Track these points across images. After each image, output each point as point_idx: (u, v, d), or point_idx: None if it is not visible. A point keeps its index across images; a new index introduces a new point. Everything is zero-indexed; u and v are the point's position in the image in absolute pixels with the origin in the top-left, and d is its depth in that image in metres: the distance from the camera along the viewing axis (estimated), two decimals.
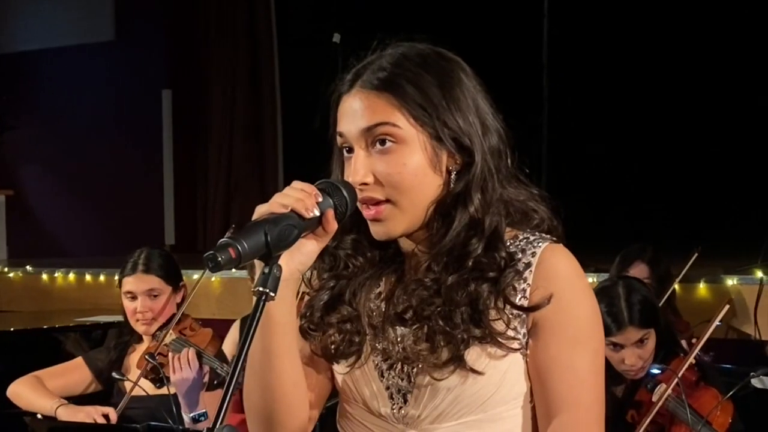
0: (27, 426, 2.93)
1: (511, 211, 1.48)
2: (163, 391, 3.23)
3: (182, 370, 3.13)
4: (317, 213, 1.38)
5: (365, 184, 1.44)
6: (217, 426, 1.25)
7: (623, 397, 3.07)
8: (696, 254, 4.22)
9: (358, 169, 1.45)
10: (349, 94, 1.48)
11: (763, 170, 5.32)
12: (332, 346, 1.50)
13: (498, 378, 1.43)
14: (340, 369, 1.52)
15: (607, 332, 3.01)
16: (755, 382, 3.27)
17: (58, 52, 8.00)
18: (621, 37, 6.29)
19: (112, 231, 7.51)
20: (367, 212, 1.46)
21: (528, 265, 1.44)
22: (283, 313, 1.42)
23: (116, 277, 3.58)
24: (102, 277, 6.02)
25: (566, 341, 1.42)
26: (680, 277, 4.22)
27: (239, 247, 1.30)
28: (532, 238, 1.47)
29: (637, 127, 6.38)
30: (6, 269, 6.52)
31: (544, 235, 1.48)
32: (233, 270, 5.28)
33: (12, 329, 5.06)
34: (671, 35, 6.30)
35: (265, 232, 1.33)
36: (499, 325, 1.42)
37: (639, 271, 4.10)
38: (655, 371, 2.92)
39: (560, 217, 1.52)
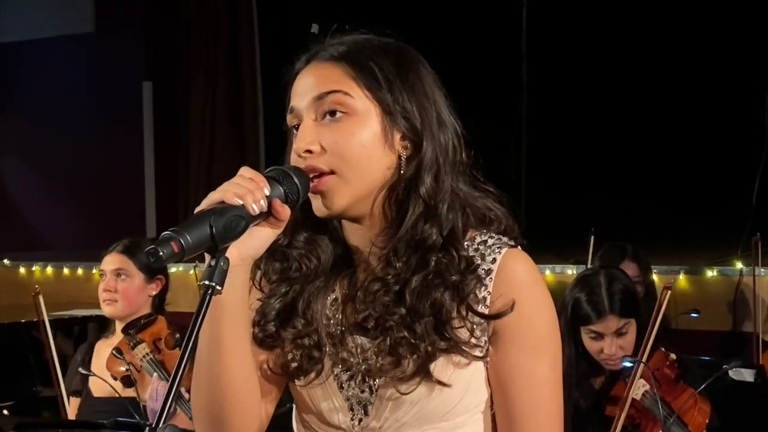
0: None
1: (467, 211, 1.43)
2: (132, 392, 3.17)
3: (156, 401, 3.05)
4: (264, 205, 1.33)
5: (309, 151, 1.39)
6: (160, 425, 1.20)
7: (601, 389, 3.04)
8: (592, 237, 4.18)
9: (305, 135, 1.39)
10: (305, 69, 1.44)
11: (743, 162, 5.31)
12: (292, 364, 1.43)
13: (462, 388, 1.39)
14: (299, 383, 1.46)
15: (587, 321, 2.98)
16: (733, 374, 3.25)
17: (37, 43, 7.92)
18: (600, 27, 6.26)
19: (93, 224, 7.45)
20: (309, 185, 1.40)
21: (488, 272, 1.40)
22: (233, 302, 1.35)
23: (94, 270, 3.54)
24: (80, 271, 5.98)
25: (526, 349, 1.40)
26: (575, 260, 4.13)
27: (182, 241, 1.24)
28: (490, 242, 1.42)
29: (617, 116, 6.36)
30: None
31: (502, 238, 1.43)
32: None
33: None
34: (650, 25, 6.27)
35: (210, 224, 1.28)
36: (463, 333, 1.38)
37: (629, 270, 4.05)
38: (628, 364, 2.88)
39: (517, 218, 1.47)
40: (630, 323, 3.00)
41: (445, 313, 1.37)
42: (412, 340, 1.36)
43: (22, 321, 4.99)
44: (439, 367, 1.37)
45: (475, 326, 1.38)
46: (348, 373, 1.42)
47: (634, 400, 2.89)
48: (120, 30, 7.69)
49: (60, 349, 4.90)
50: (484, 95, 6.16)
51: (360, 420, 1.42)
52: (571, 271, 4.48)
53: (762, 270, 4.26)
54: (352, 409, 1.42)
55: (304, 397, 1.45)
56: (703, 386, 2.87)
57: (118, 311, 3.39)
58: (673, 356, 3.00)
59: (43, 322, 3.41)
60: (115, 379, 3.26)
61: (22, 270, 6.24)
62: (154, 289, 3.48)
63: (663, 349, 3.03)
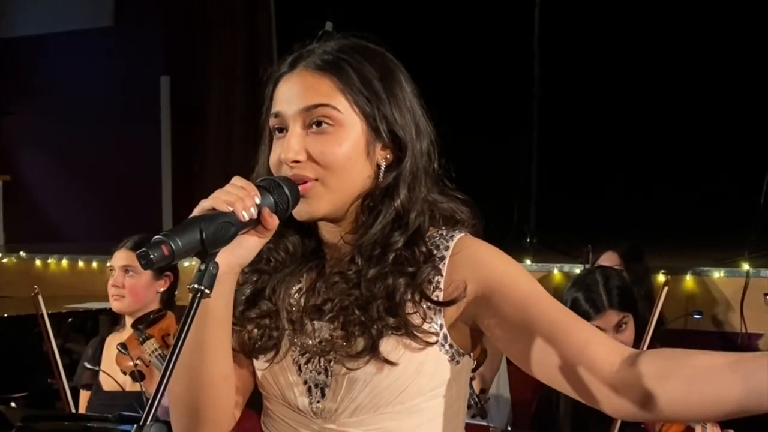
0: (2, 414, 2.94)
1: (435, 214, 1.50)
2: (139, 387, 3.22)
3: (164, 398, 3.08)
4: (254, 213, 1.37)
5: (297, 161, 1.44)
6: (147, 423, 1.25)
7: None
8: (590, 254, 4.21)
9: (292, 145, 1.44)
10: (291, 74, 1.48)
11: (751, 163, 5.31)
12: (250, 342, 1.50)
13: (413, 369, 1.44)
14: (259, 365, 1.53)
15: (587, 317, 3.01)
16: None
17: (57, 37, 8.00)
18: (612, 25, 6.27)
19: (110, 217, 7.52)
20: None
21: (442, 258, 1.46)
22: (219, 307, 1.41)
23: (108, 263, 3.59)
24: (95, 264, 6.04)
25: (511, 286, 1.43)
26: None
27: (173, 245, 1.29)
28: (446, 233, 1.49)
29: (628, 115, 6.37)
30: (0, 255, 6.54)
31: (459, 229, 1.50)
32: None
33: (5, 315, 5.09)
34: (661, 23, 6.27)
35: (201, 229, 1.32)
36: (416, 319, 1.43)
37: (608, 259, 4.11)
38: None
39: (481, 220, 1.54)
40: (628, 317, 3.04)
41: (398, 297, 1.43)
42: (363, 319, 1.42)
43: (37, 313, 5.04)
44: (389, 347, 1.42)
45: (428, 311, 1.44)
46: (306, 356, 1.48)
47: None
48: (139, 24, 7.76)
49: (73, 341, 4.98)
50: (496, 93, 6.20)
51: (318, 402, 1.48)
52: (579, 270, 4.51)
53: None
54: (310, 392, 1.48)
55: (268, 379, 1.52)
56: None
57: (125, 307, 3.45)
58: None
59: (43, 318, 3.46)
60: (125, 373, 3.31)
61: (37, 262, 6.31)
62: (162, 286, 3.52)
63: (659, 345, 3.06)
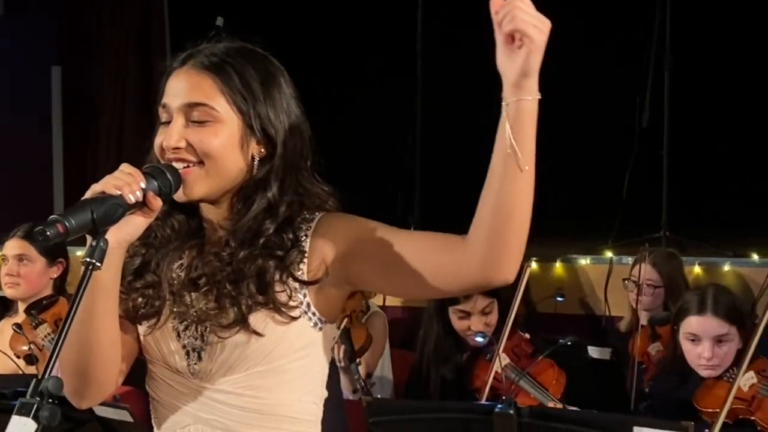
0: None
1: (306, 203, 1.70)
2: (35, 370, 3.33)
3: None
4: (140, 196, 1.57)
5: (178, 148, 1.64)
6: (45, 377, 1.42)
7: (464, 365, 3.40)
8: None
9: (173, 134, 1.65)
10: (180, 70, 1.68)
11: (613, 160, 5.61)
12: (134, 309, 1.70)
13: (277, 338, 1.65)
14: (142, 330, 1.72)
15: (456, 301, 3.37)
16: (592, 353, 3.58)
17: None
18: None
19: (1, 208, 7.47)
20: None
21: (306, 238, 1.67)
22: (108, 278, 1.60)
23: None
24: None
25: (361, 230, 1.65)
26: None
27: (67, 224, 1.48)
28: (309, 215, 1.70)
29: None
30: None
31: (319, 211, 1.70)
32: None
33: None
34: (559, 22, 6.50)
35: (92, 210, 1.51)
36: (282, 296, 1.65)
37: None
38: (479, 339, 3.24)
39: (341, 208, 1.74)
40: (493, 303, 3.38)
41: (268, 277, 1.63)
42: (234, 293, 1.63)
43: None
44: (257, 320, 1.64)
45: (293, 287, 1.65)
46: (184, 323, 1.69)
47: (496, 372, 3.23)
48: (30, 14, 7.68)
49: None
50: (381, 90, 6.41)
51: (195, 364, 1.68)
52: None
53: (630, 258, 4.57)
54: (188, 355, 1.68)
55: (150, 344, 1.71)
56: (544, 354, 3.23)
57: (20, 294, 3.55)
58: (527, 336, 3.41)
59: None
60: (18, 357, 3.41)
61: None
62: (55, 272, 3.63)
63: (519, 331, 3.43)
